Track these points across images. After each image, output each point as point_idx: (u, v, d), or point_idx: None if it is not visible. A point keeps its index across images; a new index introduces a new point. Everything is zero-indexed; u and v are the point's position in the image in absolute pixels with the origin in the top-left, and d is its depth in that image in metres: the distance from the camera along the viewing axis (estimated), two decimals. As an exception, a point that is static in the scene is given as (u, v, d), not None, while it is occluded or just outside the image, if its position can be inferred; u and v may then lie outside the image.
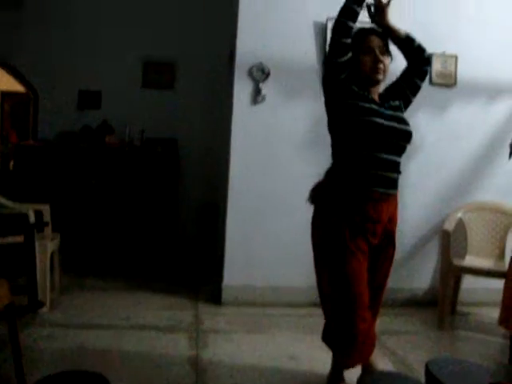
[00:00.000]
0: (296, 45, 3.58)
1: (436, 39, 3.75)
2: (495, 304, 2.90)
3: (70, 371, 1.50)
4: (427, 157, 3.75)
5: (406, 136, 2.09)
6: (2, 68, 5.15)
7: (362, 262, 2.05)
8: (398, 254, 3.74)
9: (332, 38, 2.07)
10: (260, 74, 3.53)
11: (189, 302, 3.63)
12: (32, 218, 3.19)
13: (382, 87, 2.20)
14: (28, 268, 3.11)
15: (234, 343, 2.93)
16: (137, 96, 5.02)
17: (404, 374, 1.55)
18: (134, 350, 2.76)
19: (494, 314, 2.99)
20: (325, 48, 3.58)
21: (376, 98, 2.12)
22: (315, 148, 3.34)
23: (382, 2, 2.18)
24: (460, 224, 3.70)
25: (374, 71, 2.06)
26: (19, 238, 3.14)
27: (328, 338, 2.20)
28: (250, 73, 3.53)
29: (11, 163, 5.07)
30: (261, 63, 3.53)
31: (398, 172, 2.12)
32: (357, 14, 2.05)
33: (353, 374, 2.24)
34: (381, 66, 2.05)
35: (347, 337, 2.05)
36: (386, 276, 2.24)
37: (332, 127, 2.15)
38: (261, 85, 3.53)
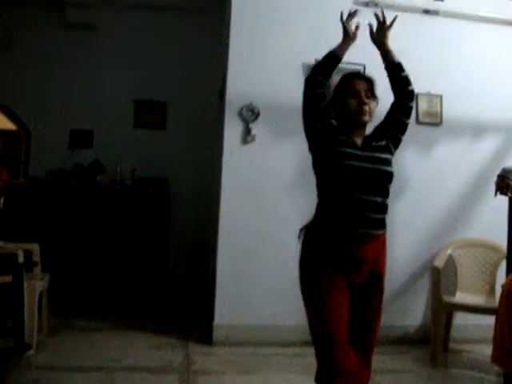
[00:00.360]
0: (285, 86, 3.65)
1: (421, 79, 3.86)
2: (487, 341, 2.89)
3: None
4: (415, 194, 3.80)
5: (386, 177, 2.10)
6: (-6, 106, 5.20)
7: (340, 302, 2.03)
8: (389, 291, 3.74)
9: (304, 90, 2.20)
10: (250, 115, 3.60)
11: (179, 342, 3.58)
12: (21, 258, 3.16)
13: (368, 129, 2.24)
14: (16, 309, 3.05)
15: (225, 385, 2.88)
16: (128, 135, 5.07)
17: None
18: (123, 392, 2.70)
19: (487, 351, 2.97)
20: (313, 89, 3.67)
21: (359, 140, 2.14)
22: (304, 187, 3.36)
23: (385, 23, 2.30)
24: (450, 260, 3.72)
25: (359, 114, 2.09)
26: (7, 278, 3.10)
27: (319, 378, 2.17)
28: (240, 113, 3.59)
29: (1, 201, 5.04)
30: (251, 103, 3.60)
31: (383, 212, 2.11)
32: (330, 72, 2.18)
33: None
34: (366, 108, 2.09)
35: (329, 376, 2.03)
36: (376, 316, 2.20)
37: (315, 168, 2.18)
38: (251, 125, 3.60)
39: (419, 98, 3.85)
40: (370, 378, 2.15)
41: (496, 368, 3.00)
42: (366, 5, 3.81)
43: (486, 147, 3.94)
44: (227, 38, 3.71)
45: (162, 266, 4.70)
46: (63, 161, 4.92)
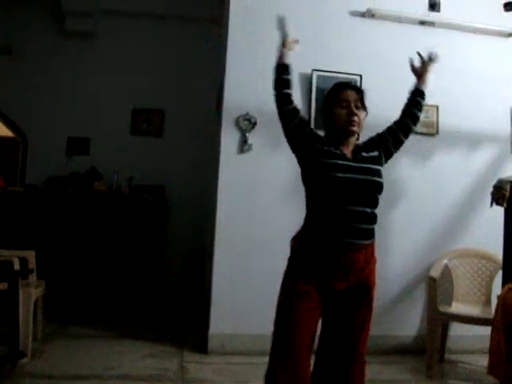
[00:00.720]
0: (282, 95, 3.67)
1: (417, 90, 3.90)
2: (483, 351, 2.90)
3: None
4: (411, 204, 3.81)
5: (376, 187, 2.09)
6: (-9, 113, 5.21)
7: (308, 313, 2.03)
8: (385, 301, 3.77)
9: (277, 110, 2.26)
10: (247, 124, 3.61)
11: (174, 351, 3.57)
12: (16, 265, 3.15)
13: (358, 139, 2.22)
14: (11, 316, 3.04)
15: (220, 394, 2.87)
16: (125, 143, 5.09)
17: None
18: (117, 402, 2.69)
19: (483, 361, 2.98)
20: (310, 98, 3.70)
21: (347, 150, 2.13)
22: (301, 197, 3.36)
23: (428, 62, 2.48)
24: (446, 271, 3.72)
25: (348, 124, 2.09)
26: (2, 286, 3.09)
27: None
28: (237, 122, 3.61)
29: (-2, 208, 5.04)
30: (247, 113, 3.62)
31: (371, 223, 2.10)
32: (287, 81, 2.26)
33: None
34: (355, 118, 2.08)
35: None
36: (364, 327, 2.13)
37: (303, 180, 2.18)
38: (247, 134, 3.61)
39: (415, 108, 3.87)
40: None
41: (492, 379, 2.99)
42: (363, 15, 3.84)
43: (482, 158, 3.96)
44: (225, 47, 3.73)
45: (158, 274, 4.69)
46: (60, 168, 4.92)
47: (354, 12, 3.85)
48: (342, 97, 2.12)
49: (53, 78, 5.07)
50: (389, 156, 2.25)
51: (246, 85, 3.65)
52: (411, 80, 3.83)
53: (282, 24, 2.34)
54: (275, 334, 2.08)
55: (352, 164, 2.07)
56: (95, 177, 4.86)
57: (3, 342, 3.00)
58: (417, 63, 2.49)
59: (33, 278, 3.54)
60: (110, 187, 4.84)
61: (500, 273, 3.30)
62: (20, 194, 4.70)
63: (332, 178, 2.02)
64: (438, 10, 3.93)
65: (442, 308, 3.44)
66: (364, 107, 2.15)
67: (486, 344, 2.81)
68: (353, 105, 2.10)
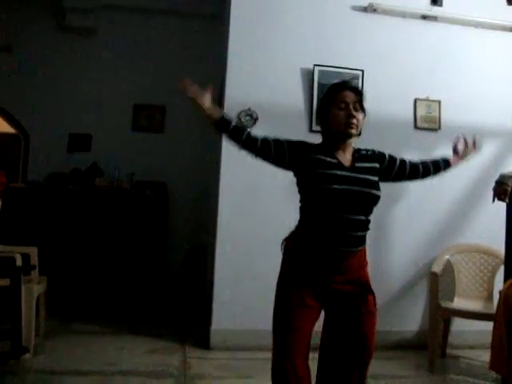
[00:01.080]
0: (283, 90, 3.67)
1: (420, 84, 3.89)
2: (485, 347, 2.90)
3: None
4: (413, 200, 3.81)
5: (373, 199, 2.05)
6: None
7: (303, 321, 2.03)
8: (387, 296, 3.77)
9: (251, 156, 2.16)
10: (248, 119, 3.60)
11: (176, 346, 3.58)
12: (19, 261, 3.16)
13: (358, 136, 2.14)
14: (13, 312, 3.05)
15: (222, 389, 2.88)
16: (127, 139, 5.08)
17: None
18: (119, 397, 2.70)
19: (485, 357, 2.98)
20: (311, 93, 3.68)
21: (345, 156, 2.07)
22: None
23: (471, 149, 2.45)
24: (448, 266, 3.72)
25: (346, 126, 2.02)
26: (5, 282, 3.10)
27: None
28: (239, 118, 3.60)
29: (-1, 205, 5.05)
30: (249, 109, 3.61)
31: (365, 230, 2.08)
32: (236, 128, 2.10)
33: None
34: (354, 121, 2.01)
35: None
36: (370, 333, 2.08)
37: (298, 187, 2.12)
38: (249, 130, 3.59)
39: (418, 103, 3.87)
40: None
41: (494, 374, 3.00)
42: (365, 10, 3.83)
43: (484, 153, 3.92)
44: (226, 43, 3.72)
45: (160, 270, 4.69)
46: (62, 164, 4.92)
47: (356, 7, 3.83)
48: (340, 98, 2.04)
49: (54, 75, 5.07)
50: (383, 179, 2.16)
51: (248, 80, 3.64)
52: (412, 75, 3.85)
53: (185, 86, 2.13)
54: (274, 337, 2.09)
55: (348, 174, 2.01)
56: (96, 173, 4.87)
57: (6, 338, 3.01)
58: (460, 145, 2.44)
59: (35, 274, 3.55)
60: (112, 183, 4.84)
61: (502, 268, 3.29)
62: (22, 190, 4.71)
63: (328, 190, 1.97)
64: (441, 5, 3.91)
65: (444, 303, 3.44)
66: (363, 109, 2.07)
67: (488, 339, 2.81)
68: (351, 106, 2.02)
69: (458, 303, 3.53)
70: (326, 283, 2.05)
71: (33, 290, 3.29)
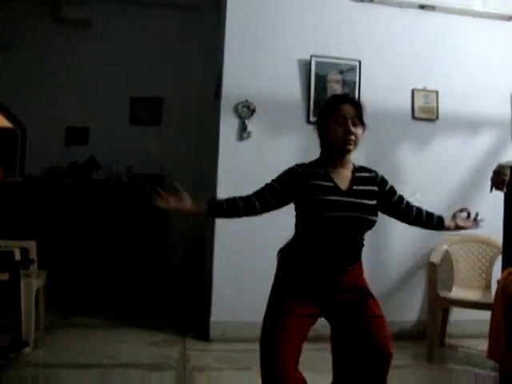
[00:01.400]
0: (280, 82, 3.66)
1: (417, 75, 3.88)
2: (483, 336, 2.90)
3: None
4: (411, 190, 3.79)
5: (368, 225, 2.02)
6: (-11, 104, 5.19)
7: (295, 326, 1.99)
8: (386, 287, 3.79)
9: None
10: (246, 111, 3.59)
11: (176, 339, 3.59)
12: (17, 256, 3.16)
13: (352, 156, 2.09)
14: (12, 307, 3.06)
15: (221, 381, 2.90)
16: (124, 132, 5.06)
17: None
18: (120, 389, 2.71)
19: (483, 346, 2.99)
20: (309, 84, 3.67)
21: (342, 175, 2.02)
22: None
23: (476, 224, 2.34)
24: (446, 256, 3.73)
25: (345, 142, 1.96)
26: (4, 276, 3.10)
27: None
28: (236, 109, 3.59)
29: (-3, 199, 5.04)
30: (246, 100, 3.60)
31: (361, 247, 2.08)
32: (230, 208, 1.96)
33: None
34: (352, 137, 1.95)
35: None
36: (380, 337, 2.02)
37: (294, 206, 2.08)
38: (246, 121, 3.59)
39: (415, 93, 3.86)
40: None
41: (492, 363, 3.01)
42: (362, 0, 3.81)
43: (482, 143, 3.95)
44: (223, 34, 3.70)
45: (159, 262, 4.70)
46: (59, 158, 4.91)
47: (354, -3, 3.81)
48: (338, 112, 1.97)
49: (50, 68, 5.04)
50: (380, 207, 2.11)
51: (245, 72, 3.63)
52: (410, 65, 3.84)
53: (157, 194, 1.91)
54: (261, 344, 2.03)
55: (345, 199, 1.96)
56: (94, 166, 4.85)
57: (6, 332, 3.02)
58: (461, 220, 2.34)
59: (34, 268, 3.55)
60: (109, 177, 4.83)
61: (500, 258, 3.31)
62: (19, 184, 4.70)
63: (324, 217, 1.94)
64: (438, -6, 3.89)
65: (443, 293, 3.45)
66: (362, 123, 2.01)
67: (486, 328, 2.82)
68: (350, 122, 1.96)
69: (457, 293, 3.54)
70: (323, 295, 2.04)
71: (32, 283, 3.30)
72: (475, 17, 3.94)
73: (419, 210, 2.24)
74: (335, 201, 1.95)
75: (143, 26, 5.13)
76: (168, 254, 4.85)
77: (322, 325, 2.12)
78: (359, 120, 1.99)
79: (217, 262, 3.59)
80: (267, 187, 2.06)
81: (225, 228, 3.57)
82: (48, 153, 4.96)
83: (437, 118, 3.89)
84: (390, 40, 3.83)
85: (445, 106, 3.88)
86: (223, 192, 3.58)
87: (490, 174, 3.05)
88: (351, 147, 1.98)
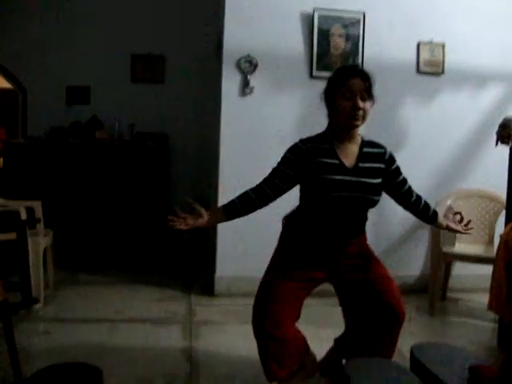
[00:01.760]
0: (283, 36, 3.58)
1: (423, 27, 3.78)
2: (485, 289, 2.95)
3: (65, 363, 1.52)
4: (415, 145, 3.78)
5: (371, 204, 2.02)
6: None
7: (291, 291, 2.04)
8: (390, 242, 3.82)
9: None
10: (248, 66, 3.53)
11: (182, 294, 3.66)
12: (24, 215, 3.19)
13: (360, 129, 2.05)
14: (21, 265, 3.11)
15: (227, 334, 2.97)
16: (126, 90, 4.99)
17: (387, 360, 1.58)
18: (128, 342, 2.79)
19: (483, 299, 3.04)
20: (311, 38, 3.59)
21: (351, 148, 2.00)
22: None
23: (466, 230, 2.29)
24: (450, 211, 3.73)
25: (352, 118, 1.91)
26: (11, 236, 3.14)
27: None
28: (238, 65, 3.53)
29: (1, 161, 5.04)
30: (248, 55, 3.53)
31: (364, 222, 2.10)
32: (245, 198, 2.03)
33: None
34: (360, 113, 1.90)
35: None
36: (388, 295, 2.03)
37: (301, 186, 2.08)
38: (249, 77, 3.54)
39: (421, 46, 3.77)
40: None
41: (492, 315, 3.07)
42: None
43: (488, 97, 3.88)
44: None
45: (163, 221, 4.71)
46: (61, 118, 4.87)
47: None
48: (346, 87, 1.90)
49: (49, 26, 4.93)
50: (386, 184, 2.09)
51: (247, 26, 3.54)
52: (416, 17, 3.73)
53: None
54: (254, 309, 2.11)
55: (350, 178, 1.95)
56: (96, 126, 4.83)
57: (17, 289, 3.08)
58: (453, 223, 2.30)
59: (40, 227, 3.59)
60: (112, 135, 4.81)
61: (504, 213, 3.31)
62: (22, 145, 4.69)
63: (328, 197, 1.93)
64: None
65: (446, 248, 3.48)
66: (371, 97, 1.94)
67: (487, 283, 2.86)
68: (358, 97, 1.89)
69: (460, 248, 3.57)
70: (327, 261, 2.07)
71: (39, 242, 3.34)
72: (483, -34, 3.81)
73: (419, 197, 2.22)
74: (339, 180, 1.93)
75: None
76: (172, 211, 4.85)
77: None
78: (368, 94, 1.93)
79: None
80: (275, 172, 2.04)
81: (227, 183, 3.57)
82: (50, 113, 4.91)
83: (442, 72, 3.81)
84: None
85: (451, 59, 3.79)
86: (226, 148, 3.58)
87: (496, 128, 3.01)
88: (358, 123, 1.94)
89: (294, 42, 3.61)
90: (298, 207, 2.13)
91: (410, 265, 3.88)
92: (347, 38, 3.64)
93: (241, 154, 3.59)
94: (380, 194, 2.04)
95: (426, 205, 2.23)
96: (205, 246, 4.62)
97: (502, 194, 3.21)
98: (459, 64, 3.80)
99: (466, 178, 3.86)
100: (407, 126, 3.76)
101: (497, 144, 2.98)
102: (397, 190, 2.14)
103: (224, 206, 2.00)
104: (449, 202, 3.73)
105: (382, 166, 2.05)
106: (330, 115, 2.03)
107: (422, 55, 3.78)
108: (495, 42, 3.83)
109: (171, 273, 4.24)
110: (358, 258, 2.10)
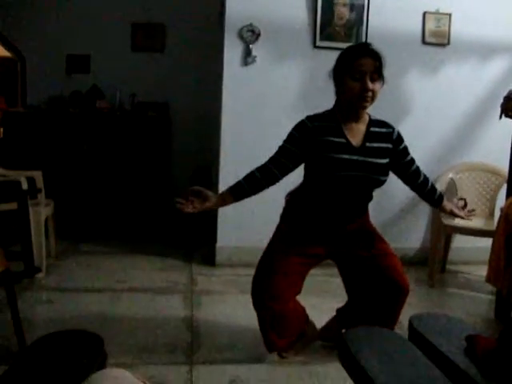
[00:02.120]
0: (286, 5, 3.51)
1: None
2: (484, 262, 2.96)
3: (66, 331, 1.53)
4: (419, 117, 3.74)
5: (377, 184, 2.00)
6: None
7: (292, 266, 2.07)
8: (390, 214, 3.83)
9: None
10: (250, 35, 3.47)
11: (183, 264, 3.69)
12: (25, 185, 3.19)
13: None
14: (22, 234, 3.13)
15: (227, 304, 3.00)
16: (127, 59, 4.93)
17: (386, 330, 1.60)
18: (129, 311, 2.82)
19: (482, 271, 3.06)
20: (315, 7, 3.52)
21: (358, 127, 1.98)
22: (306, 109, 3.30)
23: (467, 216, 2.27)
24: (451, 184, 3.73)
25: (360, 99, 1.87)
26: (12, 205, 3.15)
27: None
28: (240, 34, 3.47)
29: (1, 130, 5.01)
30: (251, 24, 3.47)
31: (369, 201, 2.10)
32: (251, 177, 2.00)
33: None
34: (369, 94, 1.86)
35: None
36: (390, 271, 2.08)
37: (305, 165, 2.07)
38: (251, 46, 3.48)
39: (426, 16, 3.69)
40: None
41: (490, 287, 3.10)
42: None
43: (495, 69, 3.82)
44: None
45: (165, 190, 4.73)
46: (61, 87, 4.82)
47: None
48: (356, 67, 1.85)
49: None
50: (394, 163, 2.08)
51: (249, -6, 3.47)
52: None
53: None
54: (254, 282, 2.16)
55: (356, 158, 1.92)
56: (97, 95, 4.78)
57: (19, 258, 3.11)
58: (456, 208, 2.28)
59: (41, 197, 3.60)
60: (113, 105, 4.77)
61: (505, 186, 3.30)
62: (22, 115, 4.66)
63: (333, 176, 1.91)
64: None
65: (446, 220, 3.48)
66: (381, 77, 1.89)
67: (486, 256, 2.87)
68: (368, 78, 1.84)
69: (460, 220, 3.56)
70: (330, 237, 2.08)
71: (41, 212, 3.35)
72: None
73: (426, 178, 2.21)
74: (346, 159, 1.91)
75: None
76: (173, 182, 4.86)
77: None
78: (378, 74, 1.88)
79: (222, 188, 3.60)
80: (281, 151, 2.01)
81: (230, 153, 3.56)
82: (49, 82, 4.86)
83: (448, 42, 3.75)
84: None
85: (457, 29, 3.72)
86: (228, 118, 3.55)
87: (501, 101, 2.97)
88: (367, 104, 1.90)
89: (297, 12, 3.54)
90: (302, 184, 2.12)
91: (410, 237, 3.90)
92: (351, 7, 3.56)
93: (242, 123, 3.56)
94: (387, 174, 2.02)
95: (433, 187, 2.23)
96: (206, 215, 4.63)
97: (504, 168, 3.20)
98: (465, 35, 3.73)
99: (468, 151, 3.84)
100: (411, 96, 3.72)
101: (501, 117, 2.95)
102: (404, 170, 2.13)
103: (231, 187, 1.99)
104: (450, 175, 3.72)
105: (390, 145, 2.02)
106: (338, 94, 1.99)
107: (428, 25, 3.71)
108: (501, 13, 3.75)
109: (172, 242, 4.27)
110: (360, 235, 2.11)
